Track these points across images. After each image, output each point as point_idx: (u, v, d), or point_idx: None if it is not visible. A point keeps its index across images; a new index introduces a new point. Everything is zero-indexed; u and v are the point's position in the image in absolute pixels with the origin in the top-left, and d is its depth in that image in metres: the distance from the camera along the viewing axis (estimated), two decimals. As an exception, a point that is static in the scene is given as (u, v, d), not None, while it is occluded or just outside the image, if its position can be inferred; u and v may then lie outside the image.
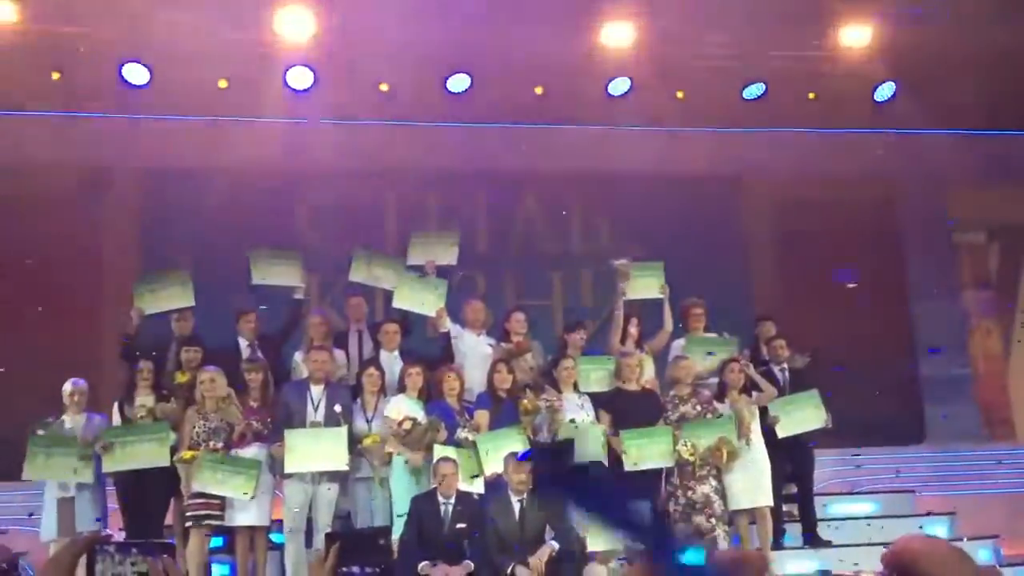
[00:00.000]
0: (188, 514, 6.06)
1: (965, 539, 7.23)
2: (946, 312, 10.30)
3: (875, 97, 9.89)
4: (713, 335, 7.38)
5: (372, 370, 6.48)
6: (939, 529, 7.44)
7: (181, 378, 6.50)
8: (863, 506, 7.95)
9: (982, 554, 7.06)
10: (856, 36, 9.49)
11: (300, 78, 8.74)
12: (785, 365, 7.29)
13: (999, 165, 10.48)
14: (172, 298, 6.81)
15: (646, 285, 7.31)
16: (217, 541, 6.32)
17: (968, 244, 10.61)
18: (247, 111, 8.95)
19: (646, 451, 6.43)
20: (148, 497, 6.18)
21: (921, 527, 7.38)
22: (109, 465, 6.20)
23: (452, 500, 5.84)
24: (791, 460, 7.11)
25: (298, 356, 6.91)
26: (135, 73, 8.51)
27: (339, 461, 6.07)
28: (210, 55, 8.52)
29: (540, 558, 5.70)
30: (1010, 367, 10.35)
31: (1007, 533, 7.88)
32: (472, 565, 5.65)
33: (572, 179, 9.92)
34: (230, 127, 9.08)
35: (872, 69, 9.78)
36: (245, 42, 8.58)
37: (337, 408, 6.25)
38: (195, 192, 9.12)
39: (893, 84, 9.85)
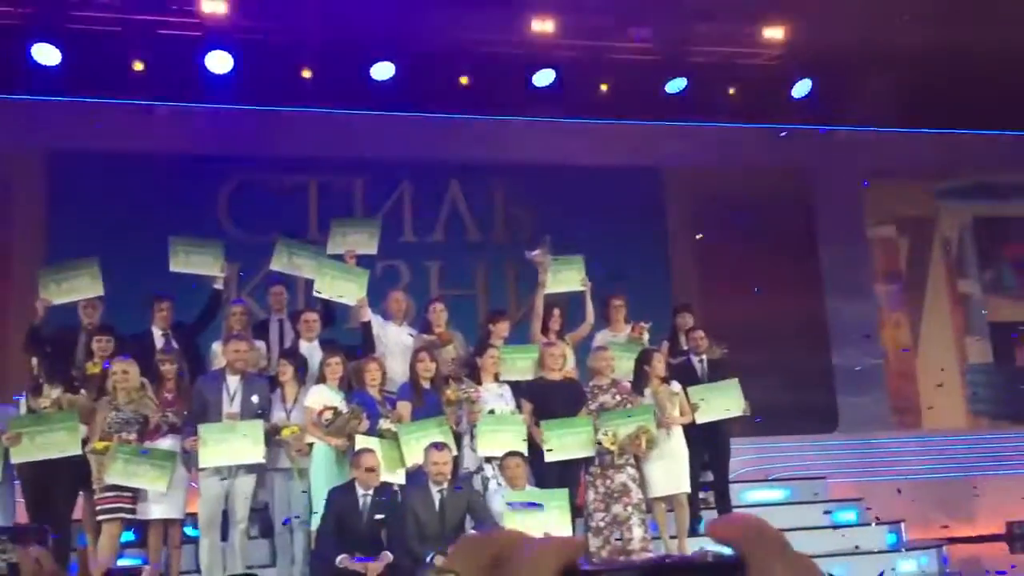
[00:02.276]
0: (99, 507, 5.88)
1: (873, 523, 7.44)
2: (858, 304, 10.58)
3: (792, 93, 10.11)
4: (632, 332, 7.41)
5: (291, 359, 6.37)
6: (848, 514, 7.65)
7: (92, 369, 6.31)
8: (776, 493, 8.11)
9: (888, 538, 7.28)
10: (775, 33, 9.68)
11: (219, 62, 8.54)
12: (704, 356, 7.38)
13: (909, 161, 10.81)
14: (80, 288, 6.59)
15: (567, 279, 7.33)
16: (129, 535, 6.15)
17: (880, 238, 10.91)
18: (165, 95, 8.72)
19: (567, 441, 6.44)
20: (55, 490, 5.97)
21: (828, 512, 7.59)
22: (18, 456, 5.97)
23: (371, 491, 5.78)
24: (708, 448, 7.21)
25: (216, 346, 6.75)
26: (45, 53, 8.22)
27: (255, 454, 5.96)
28: (127, 36, 8.28)
29: (460, 548, 5.66)
30: (918, 358, 10.68)
31: (911, 518, 8.15)
32: (391, 556, 5.61)
33: (497, 170, 9.92)
34: (145, 110, 8.83)
35: (790, 66, 9.99)
36: (162, 24, 8.35)
37: (254, 399, 6.14)
38: (108, 177, 8.86)
39: (810, 81, 10.07)
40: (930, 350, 10.68)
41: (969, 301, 10.93)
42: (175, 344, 6.51)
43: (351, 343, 6.92)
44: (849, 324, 10.43)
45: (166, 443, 6.04)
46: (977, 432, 10.42)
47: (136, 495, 5.93)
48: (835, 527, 7.41)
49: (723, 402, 7.00)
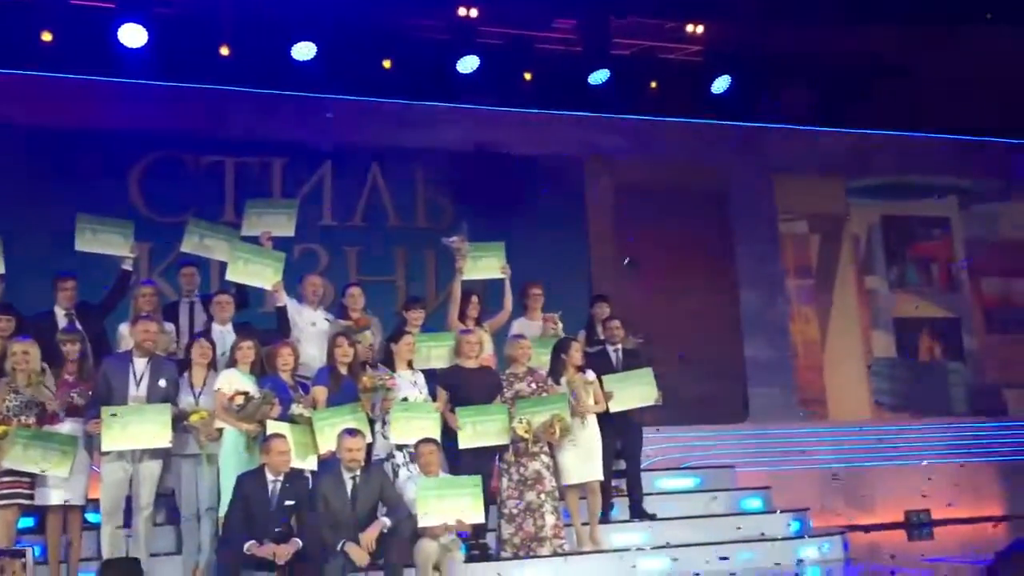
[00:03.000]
0: (-5, 492, 5.66)
1: (779, 511, 7.62)
2: (770, 298, 10.80)
3: (712, 89, 10.26)
4: (544, 324, 7.42)
5: (204, 342, 6.21)
6: (754, 502, 7.82)
7: (-11, 349, 6.05)
8: (686, 481, 8.25)
9: (793, 526, 7.46)
10: (697, 30, 9.82)
11: (133, 35, 8.27)
12: (619, 345, 7.43)
13: (822, 159, 11.07)
14: None
15: (487, 266, 7.29)
16: (27, 521, 5.93)
17: (791, 234, 11.15)
18: (75, 67, 8.41)
19: (482, 428, 6.42)
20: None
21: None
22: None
23: (281, 477, 5.67)
24: (621, 437, 7.27)
25: (123, 328, 6.56)
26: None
27: (162, 439, 5.78)
28: (36, 6, 7.97)
29: (371, 534, 5.62)
30: (825, 352, 10.96)
31: (816, 506, 8.36)
32: (300, 543, 5.52)
33: (419, 154, 9.85)
34: (54, 84, 8.51)
35: (710, 62, 10.14)
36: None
37: (162, 383, 5.96)
38: (14, 151, 8.53)
39: (729, 78, 10.24)
40: (837, 343, 10.96)
41: (876, 297, 11.25)
42: (79, 325, 6.28)
43: (266, 327, 6.79)
44: (761, 317, 10.65)
45: (67, 427, 5.83)
46: (879, 423, 10.74)
47: (34, 480, 5.72)
48: (742, 514, 7.56)
49: (637, 391, 7.05)
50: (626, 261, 9.42)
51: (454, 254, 7.25)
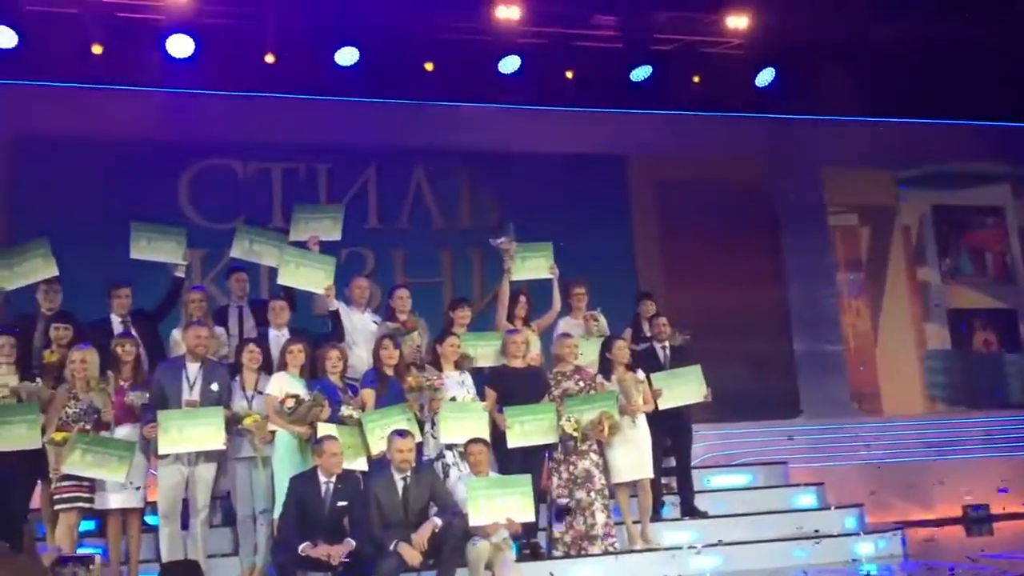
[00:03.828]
0: (56, 496, 5.78)
1: (833, 507, 7.53)
2: (820, 292, 10.67)
3: (756, 82, 10.15)
4: (586, 322, 7.41)
5: (252, 347, 6.28)
6: (808, 498, 7.73)
7: (50, 357, 6.19)
8: (738, 478, 8.18)
9: (848, 521, 7.36)
10: (739, 22, 9.72)
11: (180, 46, 8.41)
12: (666, 343, 7.39)
13: (871, 150, 10.90)
14: (34, 270, 6.44)
15: (536, 266, 7.30)
16: (88, 524, 6.05)
17: (841, 227, 11.01)
18: (124, 78, 8.57)
19: (530, 428, 6.43)
20: (12, 481, 5.84)
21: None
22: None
23: (333, 479, 5.72)
24: (670, 434, 7.23)
25: (176, 333, 6.65)
26: (4, 36, 8.06)
27: (215, 441, 5.87)
28: (85, 19, 8.14)
29: (423, 535, 5.66)
30: (878, 346, 10.79)
31: (871, 502, 8.24)
32: (354, 543, 5.57)
33: (462, 156, 9.90)
34: (105, 95, 8.69)
35: (754, 55, 10.04)
36: (121, 7, 8.21)
37: (214, 387, 6.05)
38: (69, 163, 8.72)
39: (773, 70, 10.12)
40: (889, 336, 10.79)
41: (928, 288, 11.06)
42: (133, 331, 6.40)
43: (319, 331, 6.85)
44: (811, 311, 10.53)
45: (123, 432, 5.95)
46: (934, 417, 10.55)
47: (94, 484, 5.83)
48: (796, 511, 7.49)
49: (685, 389, 7.02)
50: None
51: (502, 255, 7.26)
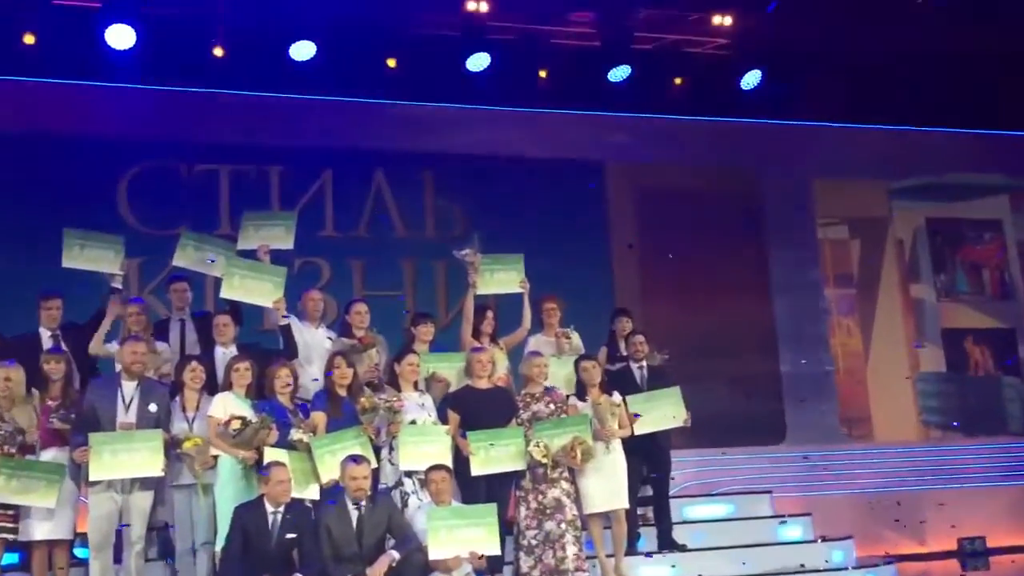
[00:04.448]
0: (-23, 527, 5.69)
1: (820, 540, 7.56)
2: (808, 309, 10.74)
3: (741, 85, 10.23)
4: (557, 339, 7.42)
5: (194, 364, 6.23)
6: (794, 530, 7.76)
7: (-29, 374, 6.08)
8: (719, 508, 8.19)
9: (836, 555, 7.39)
10: (724, 21, 9.79)
11: (120, 37, 8.33)
12: (644, 363, 7.40)
13: (862, 159, 11.00)
14: None
15: (504, 280, 7.32)
16: (11, 557, 5.95)
17: (830, 239, 11.09)
18: (59, 70, 8.48)
19: (496, 453, 6.40)
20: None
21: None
22: None
23: (281, 508, 5.67)
24: (647, 461, 7.24)
25: (112, 348, 6.58)
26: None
27: (153, 467, 5.79)
28: (16, 6, 8.05)
29: (379, 569, 5.61)
30: (869, 366, 10.87)
31: (861, 535, 8.29)
32: (302, 578, 5.53)
33: (426, 160, 9.88)
34: (38, 88, 8.59)
35: (740, 56, 10.12)
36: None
37: (152, 407, 5.97)
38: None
39: (759, 72, 10.20)
40: (881, 357, 10.88)
41: (922, 306, 11.17)
42: (64, 346, 6.32)
43: (269, 347, 6.81)
44: (798, 330, 10.59)
45: (49, 455, 5.86)
46: (928, 444, 10.64)
47: (18, 513, 5.74)
48: (781, 544, 7.51)
49: (664, 412, 7.01)
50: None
51: (467, 268, 7.27)
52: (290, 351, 6.67)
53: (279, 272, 6.81)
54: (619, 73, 9.92)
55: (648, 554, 7.07)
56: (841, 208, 11.11)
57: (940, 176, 11.35)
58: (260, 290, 6.72)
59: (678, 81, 10.21)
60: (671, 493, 7.49)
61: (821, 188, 11.03)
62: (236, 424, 5.95)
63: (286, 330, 6.74)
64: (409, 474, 6.24)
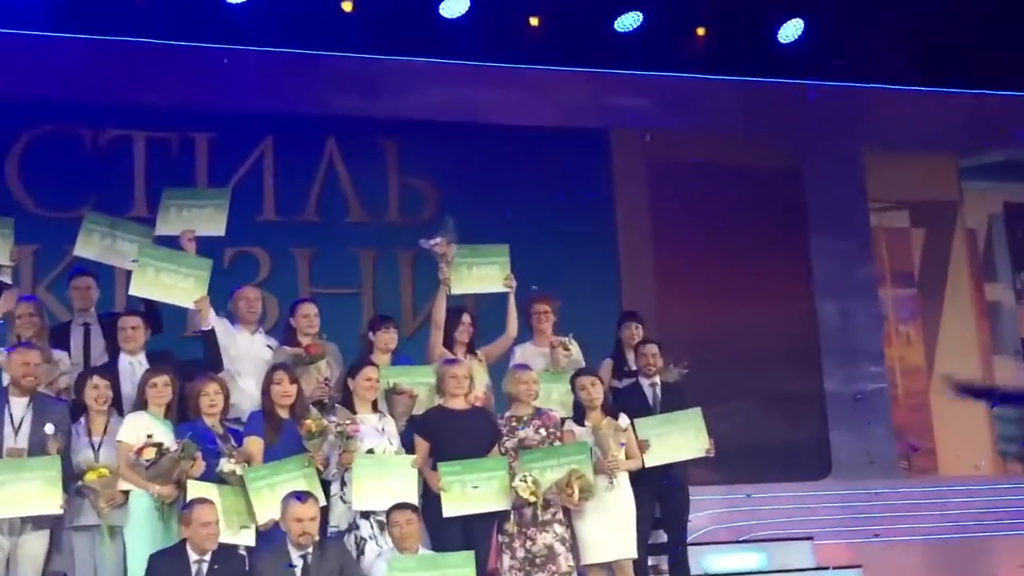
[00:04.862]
0: None
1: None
2: (859, 313, 10.78)
3: (778, 37, 10.24)
4: (563, 342, 7.45)
5: (97, 380, 6.23)
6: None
7: None
8: (749, 558, 8.23)
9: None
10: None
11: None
12: (657, 378, 7.43)
13: (925, 128, 11.02)
14: None
15: (485, 276, 7.37)
16: None
17: (887, 228, 11.12)
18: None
19: (473, 490, 6.43)
20: None
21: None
22: None
23: (207, 556, 5.67)
24: (661, 500, 7.27)
25: (-1, 357, 6.59)
26: None
27: (49, 503, 5.78)
28: None
29: (327, 631, 5.65)
30: (933, 384, 10.92)
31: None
32: (234, 644, 5.55)
33: (390, 126, 9.88)
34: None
35: (776, 2, 10.13)
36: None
37: (48, 429, 5.96)
38: None
39: (801, 21, 10.22)
40: (949, 373, 10.91)
41: (999, 311, 11.23)
42: (-64, 356, 6.33)
43: (189, 357, 6.85)
44: (846, 339, 10.62)
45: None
46: (1005, 481, 10.69)
47: None
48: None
49: (681, 440, 7.06)
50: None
51: (437, 260, 7.29)
52: (212, 363, 6.69)
53: (203, 265, 6.84)
54: (628, 21, 9.95)
55: None
56: (900, 189, 11.14)
57: (1022, 152, 11.41)
58: (179, 287, 6.75)
59: (700, 31, 10.21)
60: (689, 540, 7.55)
61: (875, 165, 11.05)
62: (151, 452, 5.97)
63: (208, 337, 6.76)
64: (366, 515, 6.24)
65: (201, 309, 6.73)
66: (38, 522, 5.91)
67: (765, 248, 10.51)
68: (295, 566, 5.78)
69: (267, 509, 5.98)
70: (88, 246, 7.02)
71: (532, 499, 6.42)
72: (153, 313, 6.89)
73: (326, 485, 6.25)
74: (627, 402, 7.16)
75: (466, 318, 7.30)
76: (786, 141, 10.82)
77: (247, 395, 6.71)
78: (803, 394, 10.36)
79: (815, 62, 10.43)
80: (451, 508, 6.37)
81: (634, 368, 7.57)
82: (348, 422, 6.31)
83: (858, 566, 8.03)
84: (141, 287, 6.72)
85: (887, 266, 11.07)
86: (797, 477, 10.03)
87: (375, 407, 6.59)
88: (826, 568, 8.05)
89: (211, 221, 7.17)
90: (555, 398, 7.16)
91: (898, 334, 10.97)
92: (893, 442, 10.62)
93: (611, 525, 6.67)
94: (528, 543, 6.50)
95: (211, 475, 6.04)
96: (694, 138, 10.50)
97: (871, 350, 10.76)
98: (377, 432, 6.47)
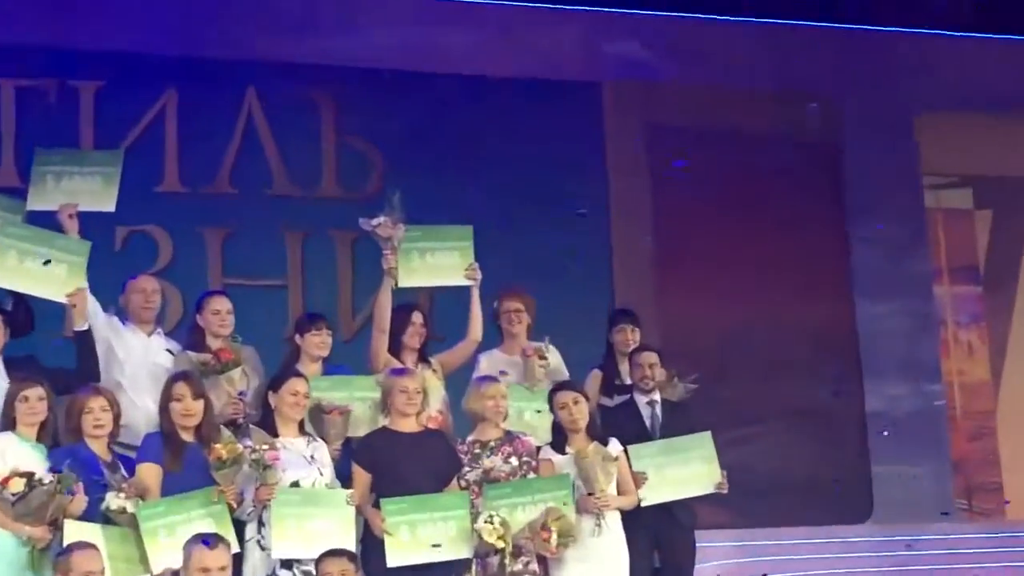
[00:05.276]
0: None
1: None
2: (909, 316, 10.82)
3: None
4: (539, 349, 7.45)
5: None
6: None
7: None
8: (769, 618, 8.30)
9: None
10: None
11: None
12: (656, 395, 7.45)
13: (991, 85, 11.05)
14: None
15: (444, 265, 7.39)
16: None
17: (945, 209, 11.18)
18: None
19: (426, 533, 6.41)
20: None
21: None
22: None
23: (89, 616, 5.67)
24: (660, 546, 7.28)
25: None
26: None
27: None
28: None
29: None
30: (1001, 404, 10.98)
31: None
32: None
33: (324, 75, 9.89)
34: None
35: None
36: None
37: None
38: None
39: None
40: (1020, 391, 10.98)
41: (1084, 314, 11.32)
42: None
43: (64, 364, 6.80)
44: (893, 347, 10.67)
45: None
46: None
47: None
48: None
49: (686, 471, 7.10)
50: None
51: (380, 245, 7.26)
52: (86, 373, 6.67)
53: (79, 248, 6.86)
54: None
55: None
56: (961, 160, 11.21)
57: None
58: (49, 276, 6.75)
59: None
60: (696, 596, 7.56)
61: (931, 129, 11.11)
62: (19, 484, 5.92)
63: (82, 340, 6.75)
64: (288, 564, 6.21)
65: (76, 304, 6.73)
66: None
67: (792, 234, 10.57)
68: (199, 628, 5.76)
69: (164, 556, 5.95)
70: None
71: (500, 545, 6.40)
72: (23, 309, 6.85)
73: (239, 527, 6.22)
74: (619, 424, 7.19)
75: (417, 318, 7.30)
76: (820, 100, 10.86)
77: (141, 412, 6.70)
78: (839, 416, 10.44)
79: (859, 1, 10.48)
80: (397, 556, 6.34)
81: (628, 382, 7.59)
82: (267, 447, 6.28)
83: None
84: (1, 277, 6.73)
85: (945, 258, 11.13)
86: (830, 520, 10.11)
87: (302, 429, 6.57)
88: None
89: (98, 193, 7.17)
90: (529, 419, 7.16)
91: (957, 342, 11.03)
92: (950, 477, 10.67)
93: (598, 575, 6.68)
94: (494, 600, 6.52)
95: (95, 513, 6.01)
96: (706, 95, 10.53)
97: (924, 362, 10.85)
98: (305, 460, 6.43)
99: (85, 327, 6.74)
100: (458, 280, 7.42)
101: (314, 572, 6.12)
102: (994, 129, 11.24)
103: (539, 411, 7.20)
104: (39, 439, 6.17)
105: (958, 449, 10.79)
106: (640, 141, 10.62)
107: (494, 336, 7.61)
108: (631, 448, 6.99)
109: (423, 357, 7.29)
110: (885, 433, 10.52)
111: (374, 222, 7.27)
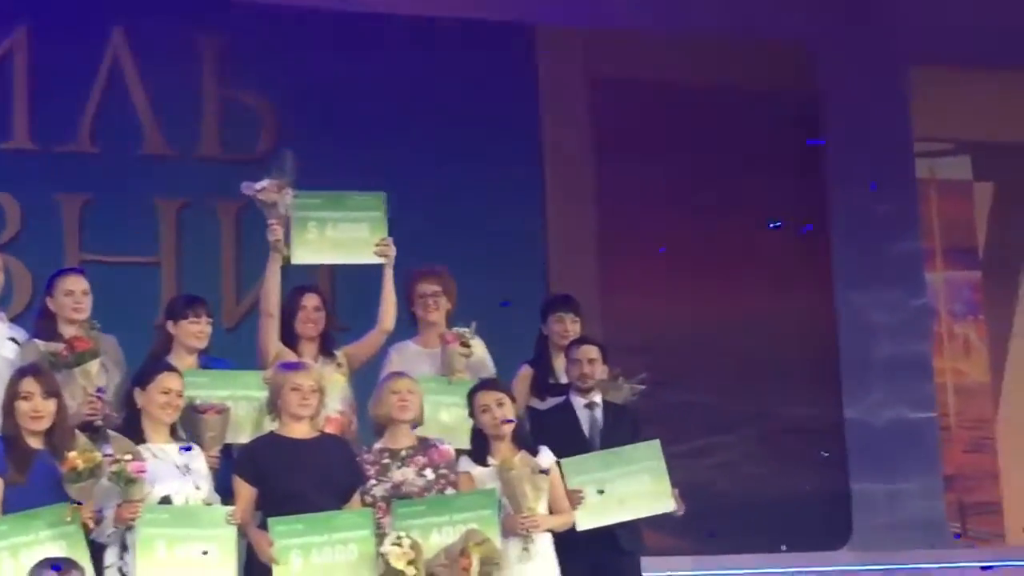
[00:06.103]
0: None
1: None
2: (897, 306, 10.89)
3: None
4: (462, 335, 7.44)
5: None
6: None
7: None
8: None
9: None
10: None
11: None
12: (597, 396, 7.47)
13: (994, 39, 11.14)
14: None
15: (349, 240, 7.41)
16: None
17: (939, 180, 11.27)
18: None
19: (321, 558, 6.39)
20: None
21: None
22: None
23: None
24: (598, 574, 7.28)
25: None
26: None
27: None
28: None
29: None
30: (1001, 411, 11.08)
31: None
32: None
33: (204, 11, 9.88)
34: None
35: None
36: None
37: None
38: None
39: None
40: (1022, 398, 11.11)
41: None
42: None
43: None
44: (878, 343, 10.74)
45: None
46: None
47: None
48: None
49: (632, 487, 7.10)
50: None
51: (265, 214, 7.24)
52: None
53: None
54: None
55: None
56: (959, 123, 11.28)
57: None
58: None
59: None
60: (641, 635, 7.59)
61: (925, 85, 11.19)
62: None
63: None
64: (158, 596, 6.19)
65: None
66: None
67: (762, 209, 10.61)
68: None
69: (13, 582, 5.94)
70: None
71: (410, 572, 6.38)
72: None
73: (97, 550, 6.17)
74: (552, 430, 7.20)
75: (311, 301, 7.28)
76: (797, 51, 10.91)
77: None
78: (813, 424, 10.52)
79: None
80: (285, 585, 6.37)
81: (564, 381, 7.60)
82: (131, 456, 6.22)
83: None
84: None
85: (937, 236, 11.21)
86: (802, 545, 10.17)
87: (175, 433, 6.52)
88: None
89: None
90: (447, 420, 7.15)
91: (952, 337, 11.13)
92: (942, 495, 10.76)
93: (526, 612, 6.73)
94: (403, 638, 6.51)
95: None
96: (663, 43, 10.56)
97: (913, 360, 10.92)
98: (177, 471, 6.37)
99: None
100: (367, 258, 7.41)
101: (188, 605, 6.15)
102: (997, 88, 11.33)
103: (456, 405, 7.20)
104: None
105: (951, 463, 10.89)
106: (581, 97, 10.62)
107: (407, 324, 7.59)
108: (566, 460, 6.99)
109: (326, 350, 7.29)
110: (825, 454, 10.55)
111: (257, 186, 7.23)
